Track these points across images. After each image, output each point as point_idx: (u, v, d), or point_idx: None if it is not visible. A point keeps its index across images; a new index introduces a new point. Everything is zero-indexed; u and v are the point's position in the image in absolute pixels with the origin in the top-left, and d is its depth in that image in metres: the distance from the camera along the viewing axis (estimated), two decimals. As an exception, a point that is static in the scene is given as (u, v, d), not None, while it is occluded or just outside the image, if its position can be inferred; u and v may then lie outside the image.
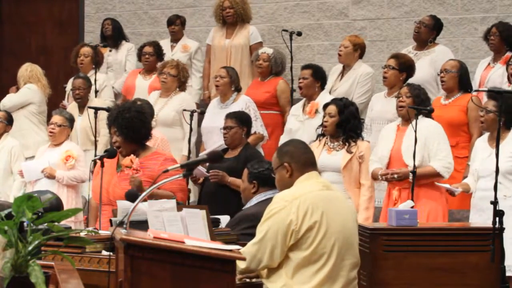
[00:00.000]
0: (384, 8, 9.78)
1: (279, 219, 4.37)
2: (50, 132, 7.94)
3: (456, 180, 6.93)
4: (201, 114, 8.07)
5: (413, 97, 6.62)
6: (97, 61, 9.35)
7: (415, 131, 6.34)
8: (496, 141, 5.40)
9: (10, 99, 9.24)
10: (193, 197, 7.92)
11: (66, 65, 10.69)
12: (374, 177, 6.70)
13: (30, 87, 9.22)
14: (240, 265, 4.37)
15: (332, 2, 10.02)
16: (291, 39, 8.89)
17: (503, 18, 8.84)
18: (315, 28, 10.08)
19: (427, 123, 6.55)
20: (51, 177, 7.81)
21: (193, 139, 8.23)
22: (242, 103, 7.97)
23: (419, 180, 6.43)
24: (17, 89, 9.38)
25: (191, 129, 7.89)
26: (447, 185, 6.40)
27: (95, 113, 7.60)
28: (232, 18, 9.31)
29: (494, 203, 5.21)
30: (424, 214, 6.39)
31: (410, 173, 6.41)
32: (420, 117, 6.51)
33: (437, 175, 6.47)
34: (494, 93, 6.05)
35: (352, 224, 4.55)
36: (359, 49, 8.43)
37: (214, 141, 7.72)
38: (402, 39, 9.63)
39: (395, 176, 6.50)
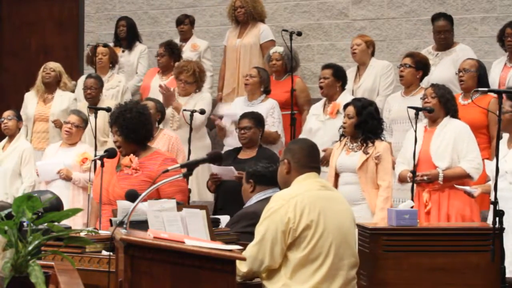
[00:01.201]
0: (384, 8, 9.78)
1: (277, 218, 4.39)
2: (67, 131, 7.90)
3: (478, 181, 6.88)
4: (201, 114, 8.06)
5: (438, 97, 6.61)
6: (115, 60, 9.38)
7: (415, 131, 6.35)
8: (496, 141, 5.39)
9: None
10: (196, 197, 7.92)
11: (66, 65, 10.68)
12: (402, 179, 6.69)
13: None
14: (242, 268, 4.38)
15: (332, 2, 10.01)
16: (291, 39, 8.88)
17: (503, 18, 8.85)
18: (315, 28, 10.08)
19: (456, 124, 6.55)
20: (67, 178, 7.79)
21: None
22: (269, 105, 8.04)
23: (449, 182, 6.44)
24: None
25: (191, 129, 7.88)
26: (466, 188, 6.33)
27: (95, 113, 7.59)
28: (243, 17, 9.32)
29: (494, 203, 5.20)
30: (452, 214, 6.39)
31: (440, 175, 6.44)
32: (447, 117, 6.55)
33: (466, 176, 6.47)
34: (495, 93, 6.05)
35: (349, 224, 4.56)
36: (371, 46, 8.46)
37: (235, 136, 7.71)
38: (402, 39, 9.63)
39: (425, 178, 6.47)
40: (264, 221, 4.45)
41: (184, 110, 8.06)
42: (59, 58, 11.06)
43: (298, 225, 4.37)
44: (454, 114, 6.66)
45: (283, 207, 4.41)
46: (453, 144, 6.47)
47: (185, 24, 9.79)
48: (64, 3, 11.54)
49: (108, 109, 7.19)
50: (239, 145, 7.39)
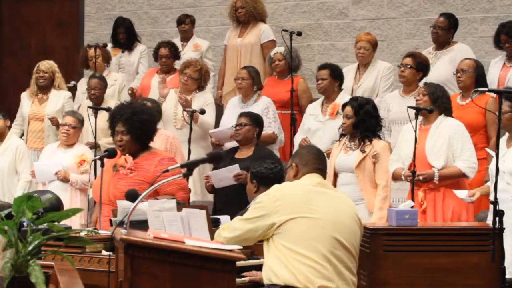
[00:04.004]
0: (384, 8, 9.77)
1: (264, 209, 4.45)
2: (64, 133, 7.89)
3: (475, 181, 6.84)
4: (201, 114, 8.06)
5: (428, 95, 6.60)
6: (108, 58, 9.41)
7: (415, 131, 6.34)
8: (496, 141, 5.39)
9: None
10: (194, 197, 7.91)
11: (66, 65, 10.68)
12: (396, 177, 6.66)
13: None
14: (224, 234, 4.51)
15: (332, 2, 10.01)
16: (291, 39, 8.88)
17: (503, 18, 8.83)
18: (315, 28, 10.07)
19: (450, 122, 6.52)
20: (65, 180, 7.78)
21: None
22: (263, 104, 8.03)
23: (444, 181, 6.43)
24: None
25: (191, 129, 7.88)
26: (464, 198, 6.24)
27: (95, 113, 7.59)
28: (244, 17, 9.34)
29: (494, 203, 5.20)
30: (448, 214, 6.38)
31: (436, 175, 6.42)
32: (441, 116, 6.53)
33: (462, 176, 6.44)
34: (495, 93, 6.05)
35: (346, 219, 4.52)
36: (376, 47, 8.48)
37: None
38: (402, 39, 9.62)
39: (421, 178, 6.44)
40: (256, 208, 4.52)
41: (184, 110, 8.06)
42: (59, 58, 11.05)
43: (282, 217, 4.41)
44: (446, 112, 6.63)
45: (270, 199, 4.47)
46: (448, 143, 6.45)
47: (186, 23, 9.79)
48: (64, 3, 11.53)
49: (108, 109, 7.19)
50: (237, 145, 7.40)
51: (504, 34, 7.94)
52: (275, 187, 4.59)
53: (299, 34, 9.14)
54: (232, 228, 4.54)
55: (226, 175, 7.06)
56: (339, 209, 4.52)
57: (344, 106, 6.89)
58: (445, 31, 8.35)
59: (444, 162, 6.44)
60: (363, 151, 6.66)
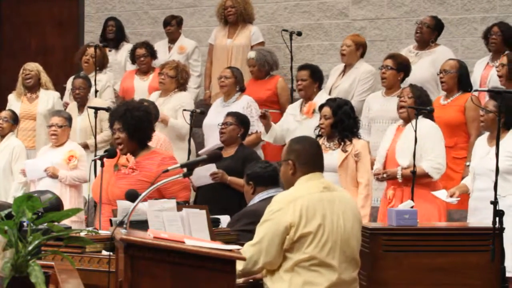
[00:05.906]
0: (384, 8, 9.78)
1: (276, 221, 4.37)
2: (52, 134, 7.91)
3: (455, 181, 6.90)
4: (201, 114, 8.07)
5: (414, 98, 6.63)
6: (103, 63, 9.38)
7: (415, 131, 6.34)
8: (496, 141, 5.39)
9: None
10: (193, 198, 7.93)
11: (66, 65, 10.69)
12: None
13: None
14: (238, 266, 4.37)
15: (332, 2, 10.01)
16: (291, 39, 8.88)
17: (503, 18, 8.84)
18: (315, 28, 10.08)
19: (424, 123, 6.54)
20: (54, 176, 7.80)
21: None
22: (244, 102, 8.02)
23: (410, 180, 6.43)
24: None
25: (191, 129, 7.89)
26: (444, 198, 6.29)
27: (95, 113, 7.60)
28: (234, 18, 9.31)
29: (494, 203, 5.20)
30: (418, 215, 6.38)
31: (398, 173, 6.49)
32: (420, 117, 6.51)
33: (425, 175, 6.46)
34: (494, 93, 6.05)
35: (351, 225, 4.50)
36: (361, 48, 8.41)
37: (215, 138, 7.72)
38: (402, 39, 9.63)
39: (384, 175, 6.58)
40: (264, 223, 4.43)
41: (184, 110, 8.07)
42: (59, 58, 11.08)
43: (297, 231, 4.34)
44: (427, 114, 6.62)
45: (282, 210, 4.37)
46: (418, 143, 6.43)
47: (172, 25, 9.78)
48: (64, 3, 11.54)
49: (108, 109, 7.20)
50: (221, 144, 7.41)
51: (497, 27, 7.99)
52: (285, 197, 4.46)
53: (299, 34, 9.15)
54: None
55: (204, 174, 7.07)
56: (347, 219, 4.47)
57: (321, 107, 6.90)
58: (429, 30, 8.37)
59: (410, 161, 6.46)
60: (344, 151, 6.71)
